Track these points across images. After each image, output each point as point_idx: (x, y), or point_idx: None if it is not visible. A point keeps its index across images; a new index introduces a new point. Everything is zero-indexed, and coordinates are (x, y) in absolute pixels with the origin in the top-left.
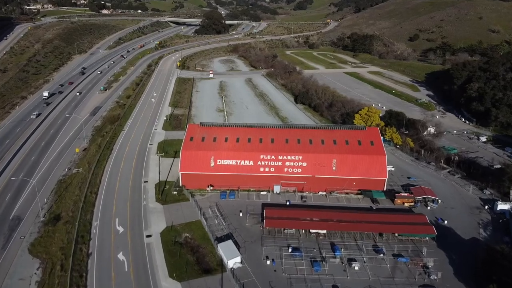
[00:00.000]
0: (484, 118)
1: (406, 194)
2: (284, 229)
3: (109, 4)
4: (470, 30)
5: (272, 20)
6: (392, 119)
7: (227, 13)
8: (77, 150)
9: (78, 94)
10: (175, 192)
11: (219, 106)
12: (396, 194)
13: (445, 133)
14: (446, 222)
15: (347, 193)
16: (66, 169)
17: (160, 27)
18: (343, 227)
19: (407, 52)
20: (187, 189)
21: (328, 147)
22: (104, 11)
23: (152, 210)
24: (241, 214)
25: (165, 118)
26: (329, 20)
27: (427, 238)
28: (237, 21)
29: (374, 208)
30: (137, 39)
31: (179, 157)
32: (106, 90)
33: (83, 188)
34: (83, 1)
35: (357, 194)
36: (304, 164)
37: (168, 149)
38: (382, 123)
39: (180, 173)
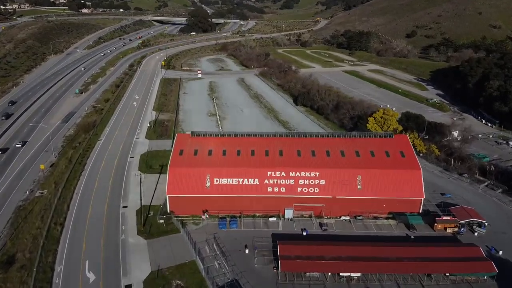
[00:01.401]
0: (508, 119)
1: (448, 218)
2: (305, 272)
3: (89, 3)
4: (471, 26)
5: (260, 18)
6: (411, 122)
7: (213, 12)
8: (42, 166)
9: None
10: (161, 221)
11: (210, 109)
12: (436, 218)
13: (469, 137)
14: (501, 252)
15: (375, 217)
16: (27, 192)
17: (144, 26)
18: (382, 268)
19: (407, 49)
20: (177, 217)
21: (351, 160)
22: (84, 10)
23: (132, 248)
24: (247, 251)
25: (148, 125)
26: (318, 18)
27: (485, 277)
28: (224, 20)
29: (412, 237)
30: (118, 38)
31: (166, 173)
32: (82, 93)
33: (46, 218)
34: (62, 0)
35: (387, 218)
36: (322, 182)
37: (153, 163)
38: (400, 128)
39: (167, 196)
